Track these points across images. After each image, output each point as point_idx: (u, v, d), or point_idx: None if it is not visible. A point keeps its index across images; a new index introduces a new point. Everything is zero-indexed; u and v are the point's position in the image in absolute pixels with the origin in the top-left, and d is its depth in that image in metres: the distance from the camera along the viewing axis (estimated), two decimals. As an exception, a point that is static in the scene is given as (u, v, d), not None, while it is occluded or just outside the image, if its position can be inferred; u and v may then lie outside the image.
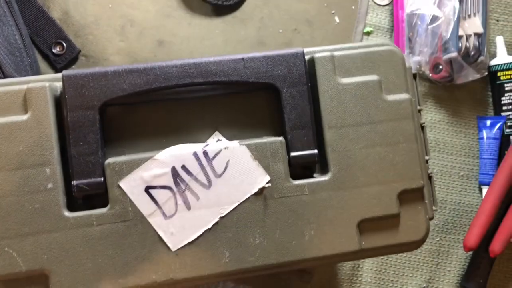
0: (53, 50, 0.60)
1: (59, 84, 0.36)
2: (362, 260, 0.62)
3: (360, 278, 0.62)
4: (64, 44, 0.60)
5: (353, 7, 0.65)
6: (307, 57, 0.38)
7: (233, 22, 0.63)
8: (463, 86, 0.64)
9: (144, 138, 0.38)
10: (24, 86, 0.35)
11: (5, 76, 0.50)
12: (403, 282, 0.63)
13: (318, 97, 0.38)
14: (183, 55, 0.62)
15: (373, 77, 0.38)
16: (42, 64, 0.59)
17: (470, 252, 0.62)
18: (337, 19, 0.64)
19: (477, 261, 0.61)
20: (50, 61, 0.60)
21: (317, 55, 0.38)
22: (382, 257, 0.63)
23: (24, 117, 0.35)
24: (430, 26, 0.60)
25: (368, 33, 0.65)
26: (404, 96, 0.39)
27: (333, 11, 0.64)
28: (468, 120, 0.65)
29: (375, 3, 0.66)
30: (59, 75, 0.36)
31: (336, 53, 0.38)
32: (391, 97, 0.38)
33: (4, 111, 0.35)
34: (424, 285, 0.63)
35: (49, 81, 0.36)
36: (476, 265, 0.61)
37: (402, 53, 0.40)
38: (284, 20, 0.63)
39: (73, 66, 0.61)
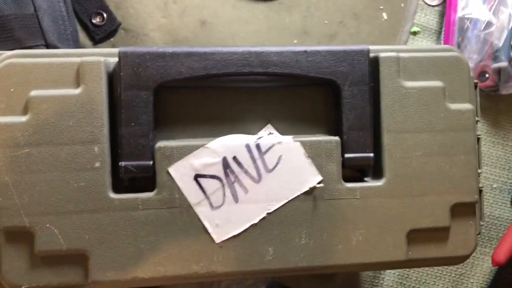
0: (93, 21, 0.58)
1: (112, 60, 0.35)
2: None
3: (382, 282, 0.61)
4: (105, 15, 0.58)
5: (402, 5, 0.63)
6: (370, 55, 0.37)
7: (278, 9, 0.61)
8: (507, 97, 0.62)
9: (194, 124, 0.37)
10: (78, 59, 0.34)
11: (47, 44, 0.48)
12: (425, 289, 0.62)
13: (379, 98, 0.36)
14: (224, 38, 0.60)
15: (438, 84, 0.37)
16: (80, 34, 0.57)
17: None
18: (384, 16, 0.62)
19: (502, 276, 0.60)
20: (88, 31, 0.58)
21: (382, 54, 0.36)
22: (406, 262, 0.62)
23: (76, 91, 0.34)
24: (482, 33, 0.58)
25: (415, 33, 0.63)
26: (467, 106, 0.37)
27: (381, 7, 0.62)
28: (508, 132, 0.63)
29: (424, 2, 0.63)
30: (115, 50, 0.35)
31: (401, 55, 0.37)
32: (454, 106, 0.37)
33: (56, 83, 0.34)
34: (446, 295, 0.62)
35: (104, 56, 0.34)
36: (501, 280, 0.60)
37: (468, 62, 0.38)
38: (330, 12, 0.62)
39: (111, 39, 0.59)
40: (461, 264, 0.63)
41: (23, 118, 0.33)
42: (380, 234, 0.36)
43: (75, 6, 0.57)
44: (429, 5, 0.63)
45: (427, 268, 0.62)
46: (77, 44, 0.53)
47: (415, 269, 0.62)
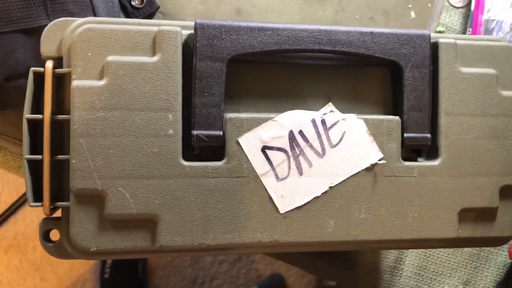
0: (132, 2, 0.59)
1: (185, 32, 0.36)
2: (405, 254, 0.63)
3: (401, 272, 0.63)
4: (144, -3, 0.59)
5: (429, 5, 0.65)
6: (431, 40, 0.38)
7: (312, 2, 0.63)
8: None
9: (259, 97, 0.38)
10: (155, 28, 0.35)
11: (97, 20, 0.49)
12: (441, 281, 0.64)
13: (438, 82, 0.38)
14: (260, 26, 0.61)
15: (491, 71, 0.39)
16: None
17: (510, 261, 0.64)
18: (412, 14, 0.64)
19: (516, 269, 0.62)
20: (127, 12, 0.59)
21: (441, 40, 0.38)
22: (424, 253, 0.63)
23: (153, 58, 0.34)
24: (508, 35, 0.60)
25: (440, 32, 0.65)
26: (517, 93, 0.39)
27: (410, 5, 0.64)
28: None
29: (450, 4, 0.66)
30: (190, 23, 0.36)
31: (459, 42, 0.38)
32: (505, 93, 0.39)
33: (133, 50, 0.34)
34: (461, 287, 0.64)
35: (179, 27, 0.35)
36: (515, 273, 0.62)
37: (517, 52, 0.40)
38: (361, 7, 0.63)
39: (149, 22, 0.60)
40: (476, 258, 0.65)
41: (100, 82, 0.34)
42: (433, 211, 0.37)
43: (115, -14, 0.57)
44: (454, 7, 0.66)
45: (444, 260, 0.64)
46: (120, 23, 0.54)
47: (433, 260, 0.63)
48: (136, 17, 0.59)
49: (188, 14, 0.60)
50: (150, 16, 0.60)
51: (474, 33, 0.62)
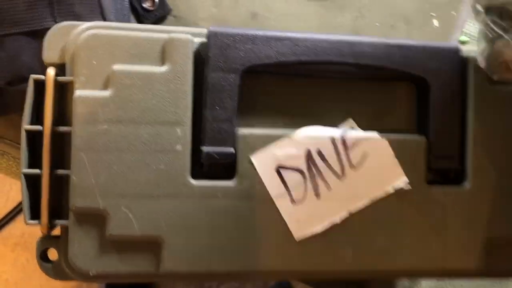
0: (143, 4, 0.56)
1: (197, 40, 0.33)
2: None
3: (417, 292, 0.60)
4: (156, 0, 0.56)
5: (453, 13, 0.62)
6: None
7: (331, 7, 0.60)
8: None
9: (275, 112, 0.35)
10: (165, 35, 0.32)
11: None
12: (459, 303, 0.61)
13: (467, 100, 0.35)
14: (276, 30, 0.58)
15: (526, 89, 0.36)
16: (130, 17, 0.56)
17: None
18: (435, 22, 0.61)
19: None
20: (137, 15, 0.57)
21: (472, 54, 0.35)
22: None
23: (162, 68, 0.32)
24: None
25: (463, 43, 0.62)
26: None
27: (432, 13, 0.61)
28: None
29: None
30: (202, 30, 0.33)
31: (492, 57, 0.35)
32: (541, 113, 0.36)
33: (141, 58, 0.32)
34: (480, 310, 0.61)
35: (190, 35, 0.33)
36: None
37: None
38: (382, 14, 0.60)
39: (160, 25, 0.57)
40: (498, 282, 0.61)
41: (104, 93, 0.31)
42: (459, 240, 0.35)
43: (126, -13, 0.55)
44: (479, 16, 0.62)
45: (462, 282, 0.61)
46: (130, 26, 0.52)
47: (451, 282, 0.60)
48: (147, 19, 0.57)
49: (202, 18, 0.58)
50: (161, 19, 0.57)
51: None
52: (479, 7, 0.30)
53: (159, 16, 0.57)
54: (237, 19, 0.58)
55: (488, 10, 0.31)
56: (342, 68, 0.35)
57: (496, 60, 0.31)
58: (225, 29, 0.32)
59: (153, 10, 0.57)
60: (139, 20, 0.57)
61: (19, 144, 0.52)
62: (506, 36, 0.29)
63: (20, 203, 1.09)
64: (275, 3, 0.59)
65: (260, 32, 0.33)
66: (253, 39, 0.33)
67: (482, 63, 0.32)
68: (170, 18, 0.58)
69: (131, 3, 0.56)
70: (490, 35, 0.30)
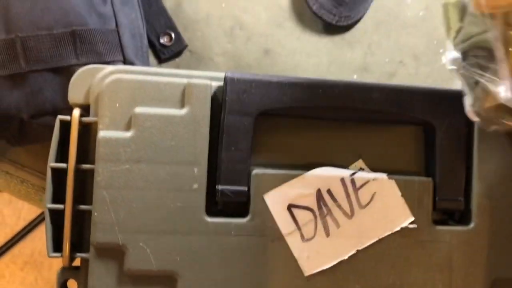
0: (161, 40, 0.59)
1: (214, 84, 0.35)
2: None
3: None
4: (173, 35, 0.59)
5: (461, 50, 0.64)
6: (465, 100, 0.37)
7: (341, 44, 0.62)
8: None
9: (288, 152, 0.37)
10: (184, 80, 0.34)
11: (125, 60, 0.49)
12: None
13: (472, 142, 0.36)
14: (287, 68, 0.60)
15: (530, 133, 0.37)
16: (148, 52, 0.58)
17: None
18: (443, 59, 0.63)
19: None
20: (155, 50, 0.59)
21: (477, 100, 0.37)
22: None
23: (182, 111, 0.34)
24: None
25: (470, 78, 0.64)
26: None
27: (441, 50, 0.63)
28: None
29: (482, 49, 0.64)
30: (220, 74, 0.35)
31: (496, 102, 0.37)
32: (544, 157, 0.37)
33: (161, 101, 0.34)
34: None
35: (209, 79, 0.35)
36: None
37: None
38: (391, 50, 0.62)
39: (176, 59, 0.60)
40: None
41: (126, 134, 0.33)
42: (465, 280, 0.36)
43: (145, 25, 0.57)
44: (486, 53, 0.64)
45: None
46: (148, 62, 0.54)
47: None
48: (164, 54, 0.59)
49: (216, 53, 0.60)
50: (178, 54, 0.60)
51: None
52: (456, 55, 0.31)
53: (175, 51, 0.59)
54: (250, 55, 0.60)
55: (465, 54, 0.32)
56: (352, 112, 0.37)
57: (482, 112, 0.31)
58: (241, 75, 0.34)
59: (170, 45, 0.59)
60: (157, 55, 0.59)
61: (39, 172, 0.55)
62: (482, 80, 0.30)
63: (31, 222, 1.11)
64: (287, 40, 0.61)
65: (275, 78, 0.35)
66: (267, 84, 0.34)
67: (474, 117, 0.32)
68: (186, 53, 0.60)
69: (149, 39, 0.59)
70: (472, 84, 0.31)
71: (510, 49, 0.28)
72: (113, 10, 0.48)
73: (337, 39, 0.62)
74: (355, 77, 0.60)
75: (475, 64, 0.30)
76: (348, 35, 0.62)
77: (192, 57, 0.60)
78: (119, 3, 0.49)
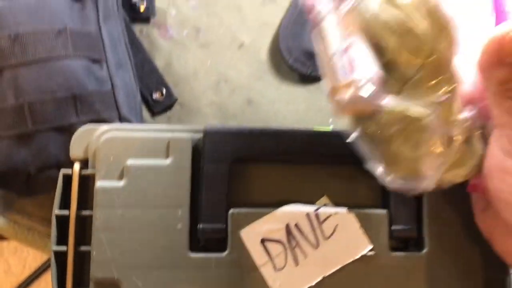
0: (153, 96, 0.65)
1: (196, 136, 0.41)
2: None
3: None
4: (164, 91, 0.65)
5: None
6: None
7: (316, 92, 0.68)
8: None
9: (260, 193, 0.42)
10: (169, 135, 0.40)
11: (120, 116, 0.55)
12: None
13: (421, 178, 0.42)
14: (268, 115, 0.67)
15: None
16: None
17: None
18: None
19: None
20: (148, 105, 0.65)
21: (423, 141, 0.42)
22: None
23: (167, 161, 0.39)
24: None
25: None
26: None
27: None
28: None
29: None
30: (199, 127, 0.41)
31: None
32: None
33: (150, 153, 0.40)
34: None
35: (190, 132, 0.41)
36: None
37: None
38: (362, 96, 0.69)
39: (168, 112, 0.66)
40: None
41: (120, 183, 0.39)
42: (421, 303, 0.40)
43: (138, 83, 0.64)
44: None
45: None
46: (141, 117, 0.60)
47: None
48: (156, 108, 0.65)
49: (204, 105, 0.67)
50: (169, 107, 0.66)
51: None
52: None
53: (167, 105, 0.66)
54: (235, 105, 0.67)
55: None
56: (315, 156, 0.42)
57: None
58: (218, 127, 0.40)
59: (162, 100, 0.66)
60: (150, 109, 0.66)
61: (44, 220, 0.60)
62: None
63: (36, 270, 1.15)
64: (267, 91, 0.67)
65: (247, 129, 0.41)
66: (240, 135, 0.40)
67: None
68: (176, 106, 0.66)
69: (142, 96, 0.65)
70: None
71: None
72: (109, 74, 0.55)
73: (312, 88, 0.68)
74: (330, 121, 0.66)
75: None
76: (321, 84, 0.68)
77: (182, 109, 0.66)
78: (114, 67, 0.55)
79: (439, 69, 0.33)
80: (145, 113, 0.66)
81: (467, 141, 0.36)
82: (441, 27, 0.33)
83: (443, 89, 0.33)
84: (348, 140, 0.35)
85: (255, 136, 0.40)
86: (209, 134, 0.40)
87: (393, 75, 0.34)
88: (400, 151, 0.34)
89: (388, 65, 0.33)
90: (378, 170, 0.35)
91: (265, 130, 0.41)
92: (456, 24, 0.34)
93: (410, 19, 0.32)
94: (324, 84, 0.34)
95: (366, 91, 0.32)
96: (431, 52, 0.33)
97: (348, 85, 0.32)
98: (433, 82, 0.33)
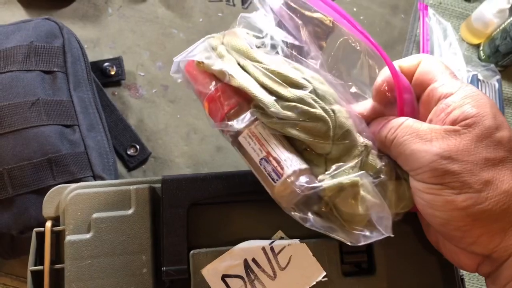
0: (128, 152, 0.70)
1: (156, 186, 0.45)
2: None
3: None
4: (138, 147, 0.70)
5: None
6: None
7: (281, 133, 0.72)
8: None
9: (218, 232, 0.45)
10: (130, 187, 0.44)
11: (94, 175, 0.59)
12: None
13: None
14: (237, 159, 0.71)
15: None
16: (117, 163, 0.69)
17: None
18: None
19: None
20: (124, 161, 0.70)
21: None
22: None
23: (129, 212, 0.43)
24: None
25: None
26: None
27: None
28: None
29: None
30: (158, 178, 0.45)
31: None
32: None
33: (113, 206, 0.44)
34: None
35: (149, 184, 0.45)
36: None
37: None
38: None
39: (143, 166, 0.70)
40: None
41: (87, 236, 0.42)
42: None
43: (113, 141, 0.69)
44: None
45: None
46: (117, 173, 0.64)
47: None
48: (132, 163, 0.70)
49: (176, 156, 0.71)
50: (144, 161, 0.70)
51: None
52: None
53: (141, 159, 0.70)
54: (205, 153, 0.71)
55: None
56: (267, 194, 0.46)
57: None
58: (174, 177, 0.44)
59: (136, 155, 0.70)
60: (126, 165, 0.70)
61: (32, 280, 0.63)
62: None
63: None
64: (235, 136, 0.72)
65: (201, 176, 0.45)
66: (195, 181, 0.44)
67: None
68: (150, 159, 0.71)
69: (118, 152, 0.70)
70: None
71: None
72: (81, 136, 0.59)
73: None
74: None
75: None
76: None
77: (156, 162, 0.71)
78: (85, 130, 0.60)
79: (346, 139, 0.38)
80: (122, 169, 0.70)
81: (397, 178, 0.40)
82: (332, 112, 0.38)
83: (357, 151, 0.39)
84: (307, 225, 0.39)
85: (208, 180, 0.44)
86: (166, 183, 0.44)
87: (313, 159, 0.39)
88: (353, 211, 0.38)
89: (306, 152, 0.39)
90: (341, 236, 0.39)
91: (218, 174, 0.45)
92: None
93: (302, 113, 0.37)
94: (266, 189, 0.39)
95: (301, 183, 0.37)
96: (335, 134, 0.38)
97: (284, 184, 0.37)
98: (348, 151, 0.39)
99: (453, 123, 0.36)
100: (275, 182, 0.37)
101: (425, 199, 0.37)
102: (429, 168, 0.36)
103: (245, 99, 0.38)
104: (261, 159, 0.38)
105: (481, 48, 0.80)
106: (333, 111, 0.38)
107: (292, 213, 0.38)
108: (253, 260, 0.43)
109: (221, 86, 0.38)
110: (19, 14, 0.71)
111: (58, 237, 0.44)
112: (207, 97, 0.39)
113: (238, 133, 0.38)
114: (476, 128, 0.35)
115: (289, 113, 0.37)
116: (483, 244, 0.36)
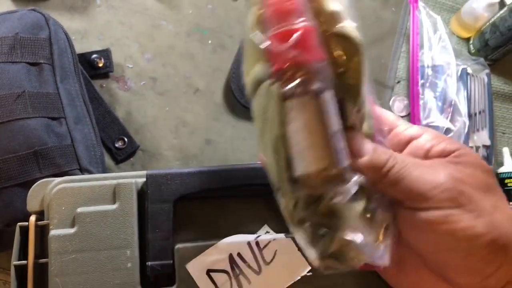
0: (116, 145, 0.69)
1: (141, 180, 0.45)
2: None
3: None
4: (126, 139, 0.69)
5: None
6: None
7: (271, 126, 0.72)
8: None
9: (204, 227, 0.45)
10: (114, 181, 0.44)
11: (81, 168, 0.59)
12: None
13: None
14: (227, 152, 0.71)
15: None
16: (105, 156, 0.68)
17: None
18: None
19: None
20: (112, 154, 0.69)
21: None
22: None
23: (114, 206, 0.43)
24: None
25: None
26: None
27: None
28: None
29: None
30: (143, 173, 0.45)
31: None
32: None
33: (98, 201, 0.43)
34: None
35: (134, 178, 0.44)
36: None
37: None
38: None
39: (131, 159, 0.70)
40: None
41: (71, 230, 0.42)
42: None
43: (101, 133, 0.68)
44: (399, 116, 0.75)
45: None
46: (104, 166, 0.64)
47: None
48: (120, 156, 0.69)
49: (165, 149, 0.71)
50: (132, 154, 0.70)
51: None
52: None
53: (129, 152, 0.70)
54: (194, 146, 0.71)
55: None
56: (253, 188, 0.46)
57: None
58: (159, 171, 0.44)
59: (124, 148, 0.70)
60: (114, 158, 0.69)
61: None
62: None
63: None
64: (224, 130, 0.72)
65: (186, 170, 0.44)
66: (181, 175, 0.44)
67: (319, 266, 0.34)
68: (139, 152, 0.70)
69: (105, 145, 0.69)
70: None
71: None
72: (68, 129, 0.59)
73: (267, 123, 0.72)
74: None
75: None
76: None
77: (144, 155, 0.70)
78: (72, 123, 0.59)
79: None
80: (110, 162, 0.69)
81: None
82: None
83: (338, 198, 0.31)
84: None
85: (194, 175, 0.44)
86: (151, 178, 0.44)
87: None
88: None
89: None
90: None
91: (203, 169, 0.45)
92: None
93: None
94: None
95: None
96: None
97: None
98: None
99: (440, 156, 0.35)
100: (338, 161, 0.29)
101: (441, 231, 0.32)
102: (444, 187, 0.32)
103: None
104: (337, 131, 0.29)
105: (471, 42, 0.80)
106: None
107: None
108: (238, 254, 0.43)
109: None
110: (4, 5, 0.70)
111: (42, 231, 0.44)
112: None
113: (320, 90, 0.29)
114: (468, 158, 0.35)
115: None
116: (501, 274, 0.33)
